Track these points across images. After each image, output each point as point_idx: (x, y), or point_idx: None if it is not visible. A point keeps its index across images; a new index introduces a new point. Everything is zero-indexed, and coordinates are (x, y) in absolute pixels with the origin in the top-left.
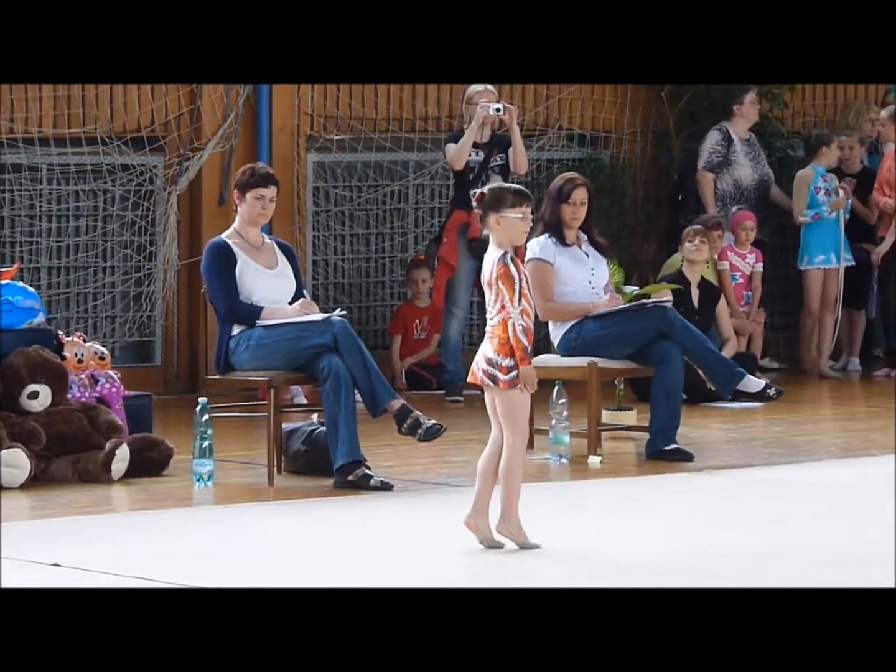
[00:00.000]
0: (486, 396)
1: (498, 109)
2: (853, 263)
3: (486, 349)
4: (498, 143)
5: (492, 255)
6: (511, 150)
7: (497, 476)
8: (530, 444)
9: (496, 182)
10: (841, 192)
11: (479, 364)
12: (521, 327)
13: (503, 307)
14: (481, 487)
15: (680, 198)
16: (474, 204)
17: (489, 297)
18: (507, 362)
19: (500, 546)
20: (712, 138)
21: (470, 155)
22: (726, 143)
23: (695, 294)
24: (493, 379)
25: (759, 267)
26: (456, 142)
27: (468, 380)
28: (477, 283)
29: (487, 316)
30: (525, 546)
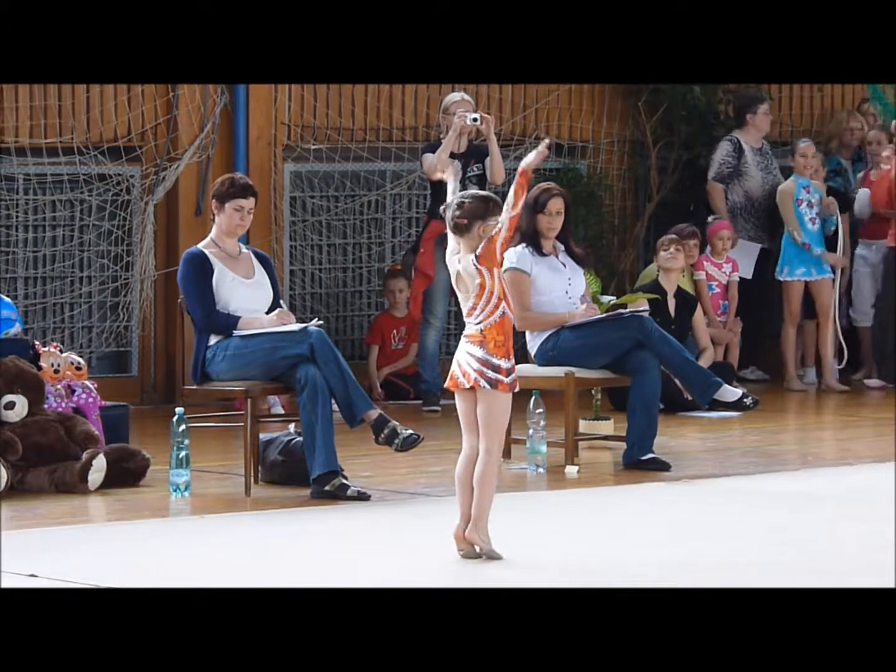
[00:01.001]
0: (463, 403)
1: (475, 119)
2: (831, 276)
3: (475, 352)
4: (475, 152)
5: (468, 264)
6: (488, 159)
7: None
8: (507, 454)
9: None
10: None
11: (467, 366)
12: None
13: (496, 307)
14: (464, 496)
15: (691, 209)
16: (455, 214)
17: (473, 301)
18: (506, 364)
19: (479, 557)
20: (723, 149)
21: None
22: (737, 153)
23: (671, 304)
24: (492, 382)
25: (736, 276)
26: (433, 152)
27: (447, 385)
28: (453, 293)
29: (470, 320)
30: (490, 556)
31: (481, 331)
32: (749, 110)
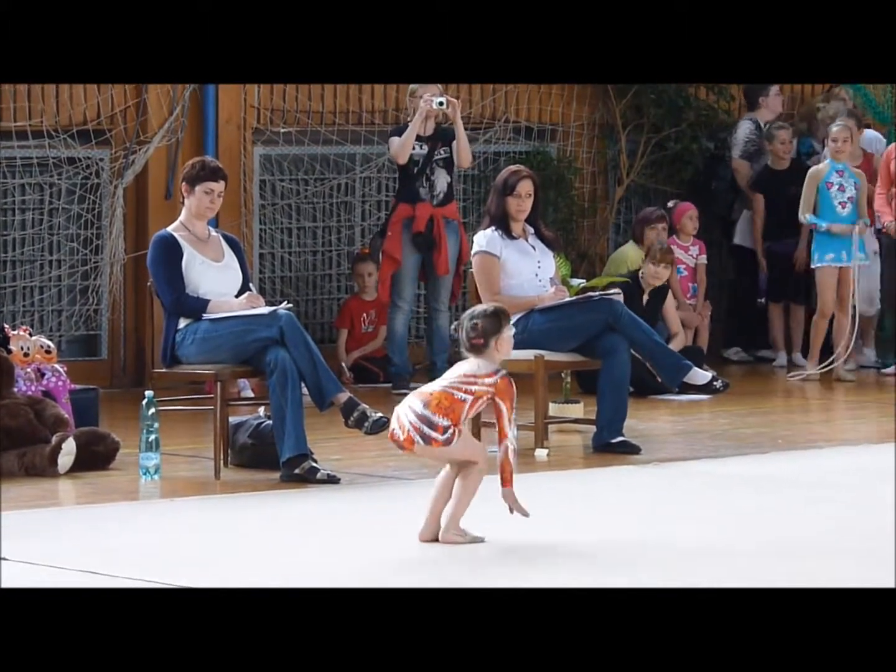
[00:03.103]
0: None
1: (441, 103)
2: (868, 262)
3: (416, 406)
4: (442, 136)
5: (485, 367)
6: (455, 143)
7: (450, 492)
8: (477, 438)
9: (441, 179)
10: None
11: (405, 419)
12: (514, 449)
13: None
14: (438, 502)
15: (713, 187)
16: (471, 336)
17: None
18: (444, 423)
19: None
20: (745, 128)
21: (414, 148)
22: (758, 132)
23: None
24: (426, 438)
25: (703, 259)
26: (400, 135)
27: (389, 437)
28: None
29: (433, 382)
30: (473, 540)
31: (431, 392)
32: (761, 93)
